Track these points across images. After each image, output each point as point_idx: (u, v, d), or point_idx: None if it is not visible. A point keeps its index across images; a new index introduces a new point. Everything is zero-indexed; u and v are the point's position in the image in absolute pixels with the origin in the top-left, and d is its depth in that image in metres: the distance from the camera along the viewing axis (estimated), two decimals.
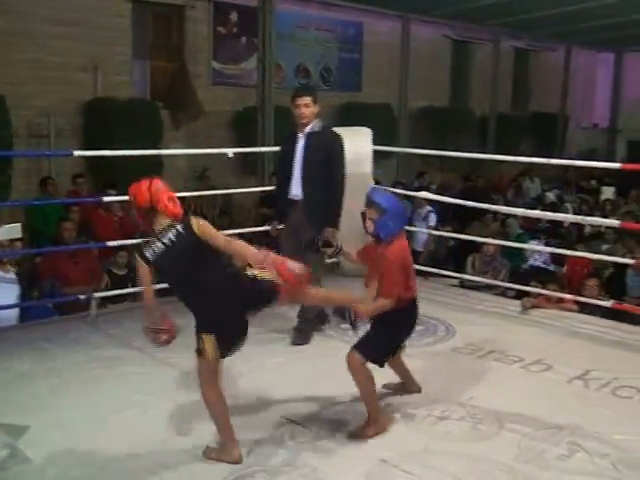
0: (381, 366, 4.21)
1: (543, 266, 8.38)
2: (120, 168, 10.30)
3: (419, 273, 7.55)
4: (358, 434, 4.01)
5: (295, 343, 5.56)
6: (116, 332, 5.71)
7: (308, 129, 5.47)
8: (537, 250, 8.33)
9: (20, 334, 5.79)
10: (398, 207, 4.20)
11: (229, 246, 3.67)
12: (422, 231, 9.68)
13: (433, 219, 10.35)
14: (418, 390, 4.62)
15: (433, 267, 7.67)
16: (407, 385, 4.65)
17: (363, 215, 4.19)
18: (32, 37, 10.48)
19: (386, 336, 4.21)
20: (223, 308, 3.69)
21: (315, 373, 4.91)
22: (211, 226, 3.71)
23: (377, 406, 4.14)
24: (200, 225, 3.68)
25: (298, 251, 5.32)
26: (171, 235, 3.67)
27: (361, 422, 4.08)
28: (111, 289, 6.97)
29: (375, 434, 4.01)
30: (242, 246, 3.68)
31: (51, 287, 7.08)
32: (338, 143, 5.53)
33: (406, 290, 4.15)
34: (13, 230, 6.29)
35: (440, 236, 9.74)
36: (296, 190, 5.52)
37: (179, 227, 3.69)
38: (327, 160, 5.42)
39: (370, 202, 4.13)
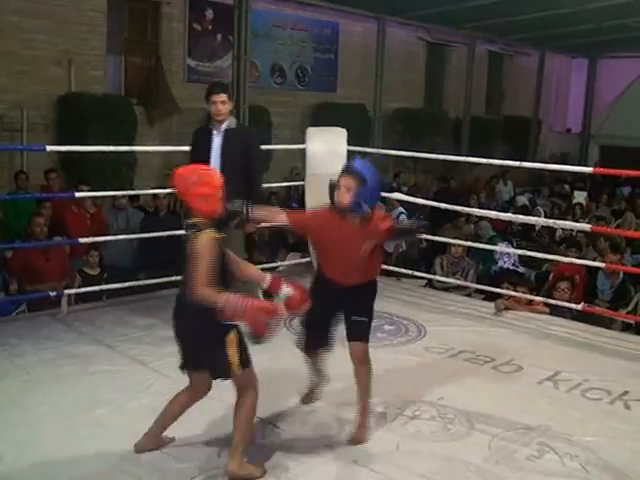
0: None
1: (512, 268, 8.44)
2: (94, 164, 10.24)
3: (391, 274, 7.64)
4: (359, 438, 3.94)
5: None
6: (87, 329, 5.65)
7: (224, 126, 5.44)
8: (507, 252, 8.37)
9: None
10: (378, 180, 3.95)
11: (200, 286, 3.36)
12: None
13: (404, 220, 10.39)
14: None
15: (405, 268, 7.69)
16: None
17: (332, 187, 3.91)
18: (2, 29, 10.34)
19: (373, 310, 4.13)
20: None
21: (287, 373, 4.89)
22: (209, 254, 3.38)
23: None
24: (202, 241, 3.40)
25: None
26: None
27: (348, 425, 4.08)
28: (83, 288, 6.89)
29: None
30: (215, 293, 3.35)
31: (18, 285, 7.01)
32: (256, 139, 5.66)
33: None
34: None
35: None
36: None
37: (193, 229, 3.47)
38: (246, 156, 5.43)
39: (349, 170, 3.85)
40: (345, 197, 3.84)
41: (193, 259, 3.38)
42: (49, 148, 7.54)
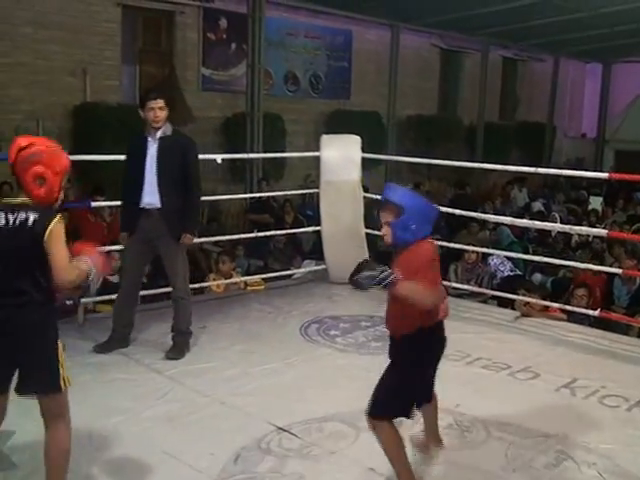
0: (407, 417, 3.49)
1: (512, 274, 8.40)
2: (108, 173, 10.26)
3: None
4: None
5: (168, 357, 5.27)
6: (103, 338, 5.66)
7: (160, 133, 5.22)
8: (500, 262, 8.35)
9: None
10: (421, 204, 3.33)
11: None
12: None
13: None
14: (437, 445, 3.85)
15: None
16: (426, 439, 3.87)
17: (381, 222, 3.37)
18: (16, 40, 10.43)
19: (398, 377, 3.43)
20: None
21: (302, 380, 4.90)
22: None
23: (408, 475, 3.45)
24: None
25: (141, 261, 5.46)
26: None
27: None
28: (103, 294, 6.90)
29: None
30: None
31: None
32: (193, 147, 5.40)
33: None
34: None
35: None
36: (150, 198, 5.22)
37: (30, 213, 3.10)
38: (183, 165, 5.25)
39: (384, 202, 3.32)
40: (386, 234, 3.32)
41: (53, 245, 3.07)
42: None
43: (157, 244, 5.30)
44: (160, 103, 5.17)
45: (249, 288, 7.44)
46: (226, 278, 7.47)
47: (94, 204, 7.50)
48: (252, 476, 3.60)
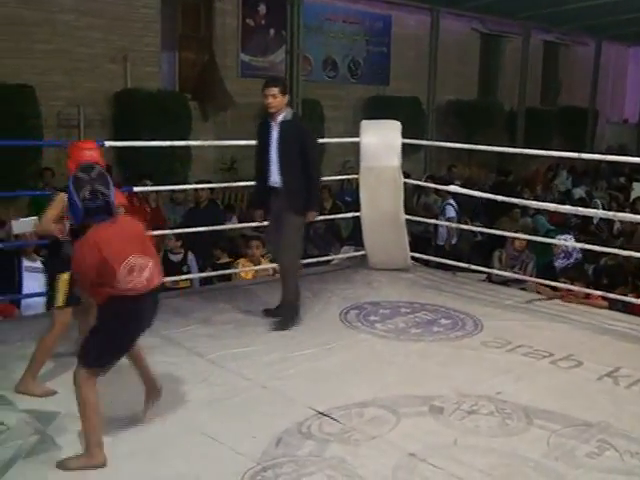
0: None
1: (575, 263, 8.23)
2: (148, 159, 10.37)
3: (446, 267, 7.57)
4: (64, 463, 3.56)
5: (274, 329, 5.62)
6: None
7: (280, 118, 5.59)
8: (568, 249, 8.16)
9: (48, 321, 5.82)
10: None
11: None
12: (441, 224, 9.82)
13: (450, 211, 10.37)
14: (158, 395, 4.09)
15: (459, 262, 7.61)
16: (148, 390, 4.10)
17: None
18: (57, 27, 10.55)
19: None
20: None
21: (342, 366, 4.90)
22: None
23: (96, 435, 3.56)
24: None
25: (278, 234, 5.70)
26: None
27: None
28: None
29: (79, 467, 3.51)
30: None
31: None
32: (309, 131, 5.84)
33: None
34: (29, 223, 6.29)
35: (463, 230, 9.73)
36: (275, 177, 5.66)
37: None
38: (301, 148, 5.58)
39: None
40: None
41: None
42: (108, 144, 7.62)
43: (283, 220, 5.64)
44: (273, 90, 5.51)
45: (277, 275, 7.46)
46: (256, 263, 7.49)
47: (136, 189, 7.55)
48: (293, 459, 3.61)
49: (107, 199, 3.56)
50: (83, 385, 3.58)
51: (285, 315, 5.72)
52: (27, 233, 6.44)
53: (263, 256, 7.63)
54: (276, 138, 5.61)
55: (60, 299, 4.45)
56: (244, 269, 7.48)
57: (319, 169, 5.87)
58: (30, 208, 9.18)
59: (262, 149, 5.73)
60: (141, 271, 3.57)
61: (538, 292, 6.89)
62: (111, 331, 3.67)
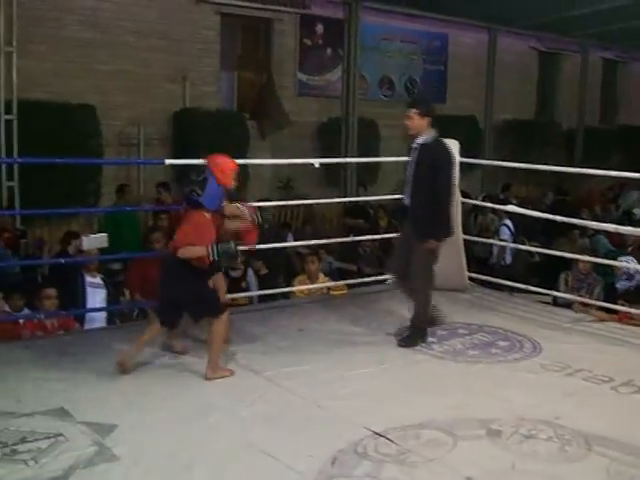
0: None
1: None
2: None
3: (502, 288, 7.47)
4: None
5: (399, 344, 5.72)
6: (202, 337, 5.78)
7: (420, 140, 5.62)
8: (631, 271, 7.98)
9: (108, 335, 5.94)
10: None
11: None
12: (496, 243, 9.80)
13: (504, 233, 10.29)
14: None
15: (515, 282, 7.51)
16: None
17: None
18: (119, 49, 10.80)
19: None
20: None
21: (398, 386, 4.88)
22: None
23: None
24: None
25: (403, 254, 5.72)
26: None
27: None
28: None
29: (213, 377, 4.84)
30: None
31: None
32: (443, 155, 5.63)
33: None
34: (99, 240, 6.44)
35: (519, 251, 9.63)
36: (407, 198, 5.76)
37: None
38: (433, 173, 5.51)
39: None
40: None
41: None
42: (168, 161, 7.80)
43: (410, 242, 5.70)
44: (409, 112, 5.60)
45: (332, 292, 7.49)
46: (312, 278, 7.52)
47: None
48: (349, 479, 3.61)
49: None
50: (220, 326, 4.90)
51: (411, 335, 5.76)
52: (94, 250, 6.61)
53: (320, 271, 7.68)
54: (413, 160, 5.66)
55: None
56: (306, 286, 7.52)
57: (449, 196, 5.71)
58: (106, 223, 9.43)
59: (406, 169, 5.80)
60: None
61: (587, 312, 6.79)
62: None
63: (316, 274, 7.58)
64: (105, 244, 6.48)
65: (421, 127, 5.60)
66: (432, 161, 5.54)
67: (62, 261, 6.75)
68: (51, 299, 6.19)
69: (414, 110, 5.58)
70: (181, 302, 4.94)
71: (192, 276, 4.86)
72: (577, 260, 7.66)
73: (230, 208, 5.13)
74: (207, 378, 4.84)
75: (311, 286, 7.49)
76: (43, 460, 3.67)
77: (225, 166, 4.95)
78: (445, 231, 5.72)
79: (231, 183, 4.96)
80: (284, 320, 6.31)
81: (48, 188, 9.45)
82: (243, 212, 5.14)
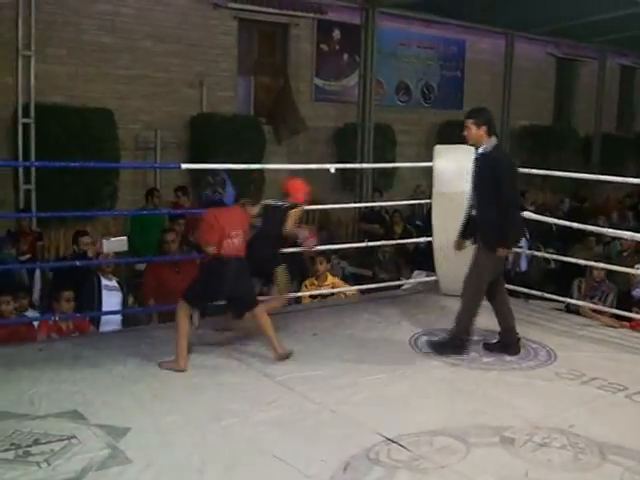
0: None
1: None
2: None
3: (518, 294, 7.43)
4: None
5: (429, 345, 5.80)
6: (217, 342, 5.80)
7: (480, 150, 5.62)
8: None
9: (123, 339, 5.97)
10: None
11: None
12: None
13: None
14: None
15: (530, 289, 7.47)
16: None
17: None
18: (137, 54, 10.86)
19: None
20: None
21: (411, 392, 4.87)
22: None
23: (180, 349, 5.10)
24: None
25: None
26: None
27: None
28: None
29: (168, 368, 5.08)
30: None
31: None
32: (503, 164, 5.61)
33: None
34: (119, 243, 6.49)
35: (534, 257, 9.57)
36: (474, 209, 5.78)
37: None
38: (495, 182, 5.49)
39: None
40: None
41: None
42: (184, 166, 7.81)
43: (476, 250, 5.73)
44: (467, 122, 5.61)
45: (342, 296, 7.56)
46: (321, 278, 7.52)
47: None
48: None
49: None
50: (179, 311, 5.18)
51: (445, 342, 5.73)
52: (111, 253, 6.65)
53: (329, 272, 7.68)
54: (475, 170, 5.68)
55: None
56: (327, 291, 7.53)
57: (514, 204, 5.72)
58: (131, 226, 9.52)
59: (471, 179, 5.79)
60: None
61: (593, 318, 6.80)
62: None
63: (324, 274, 7.56)
64: (125, 248, 6.52)
65: (478, 137, 5.57)
66: (492, 170, 5.52)
67: (77, 263, 6.77)
68: (70, 301, 6.22)
69: (470, 120, 5.57)
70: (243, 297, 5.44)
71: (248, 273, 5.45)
72: (591, 267, 7.61)
73: (291, 227, 6.11)
74: (278, 356, 5.34)
75: (316, 292, 7.45)
76: (56, 462, 3.68)
77: (299, 187, 6.38)
78: (513, 236, 5.86)
79: (303, 200, 6.32)
80: (298, 325, 6.31)
81: (65, 191, 9.52)
82: (301, 236, 6.46)
